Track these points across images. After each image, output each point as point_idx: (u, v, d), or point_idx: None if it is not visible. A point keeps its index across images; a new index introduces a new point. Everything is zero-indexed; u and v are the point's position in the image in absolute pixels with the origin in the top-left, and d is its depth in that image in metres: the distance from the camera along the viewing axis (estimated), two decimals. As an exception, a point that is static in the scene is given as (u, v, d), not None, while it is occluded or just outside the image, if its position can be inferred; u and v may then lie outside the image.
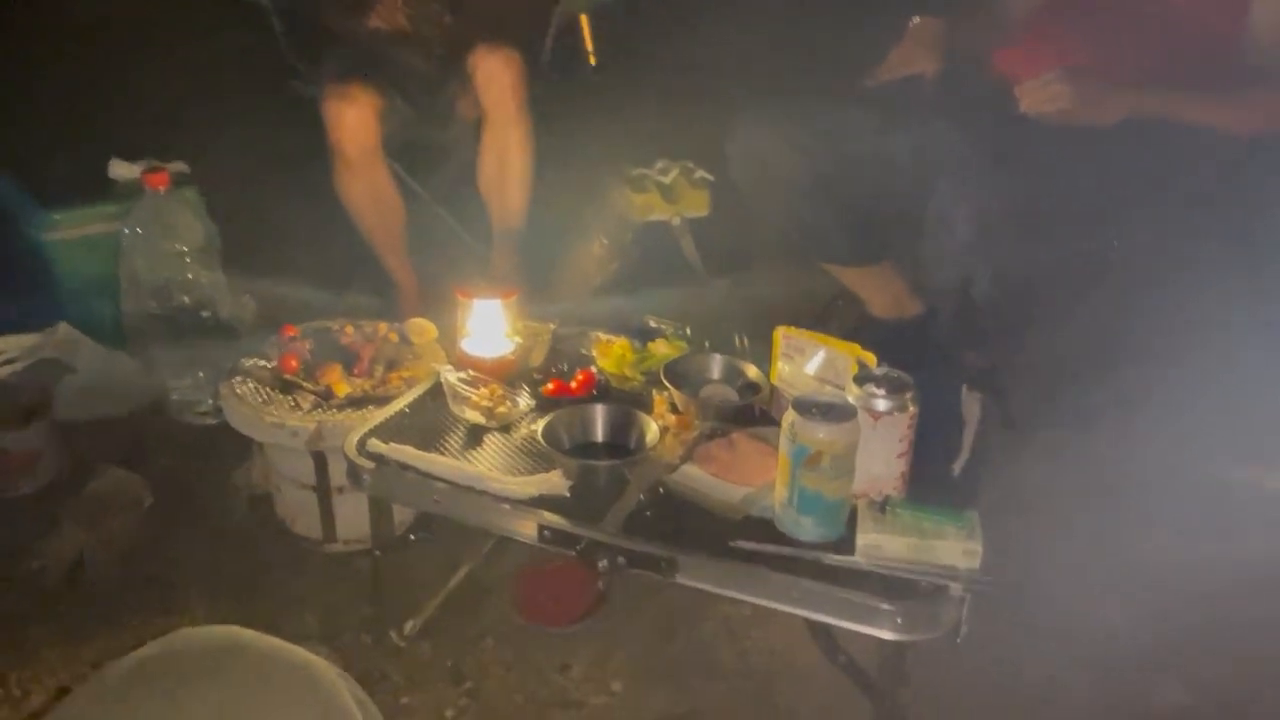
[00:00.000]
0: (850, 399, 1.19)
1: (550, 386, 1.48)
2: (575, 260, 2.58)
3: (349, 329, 1.77)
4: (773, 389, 1.42)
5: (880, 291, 2.12)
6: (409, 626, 1.52)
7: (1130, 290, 1.99)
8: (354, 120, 2.13)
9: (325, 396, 1.57)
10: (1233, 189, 1.70)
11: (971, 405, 1.42)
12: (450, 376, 1.41)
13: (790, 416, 1.12)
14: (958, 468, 1.32)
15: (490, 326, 1.53)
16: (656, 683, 1.45)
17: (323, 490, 1.60)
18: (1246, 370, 1.86)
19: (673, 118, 2.65)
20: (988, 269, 1.63)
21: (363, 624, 1.55)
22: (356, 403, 1.57)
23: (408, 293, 2.35)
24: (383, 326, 1.78)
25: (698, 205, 2.59)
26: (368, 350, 1.68)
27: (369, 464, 1.31)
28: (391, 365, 1.71)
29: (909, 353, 2.07)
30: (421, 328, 1.75)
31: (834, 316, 2.41)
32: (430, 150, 2.59)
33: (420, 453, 1.31)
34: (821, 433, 1.10)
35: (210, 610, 1.59)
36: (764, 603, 1.12)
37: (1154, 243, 1.95)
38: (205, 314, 2.05)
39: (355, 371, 1.63)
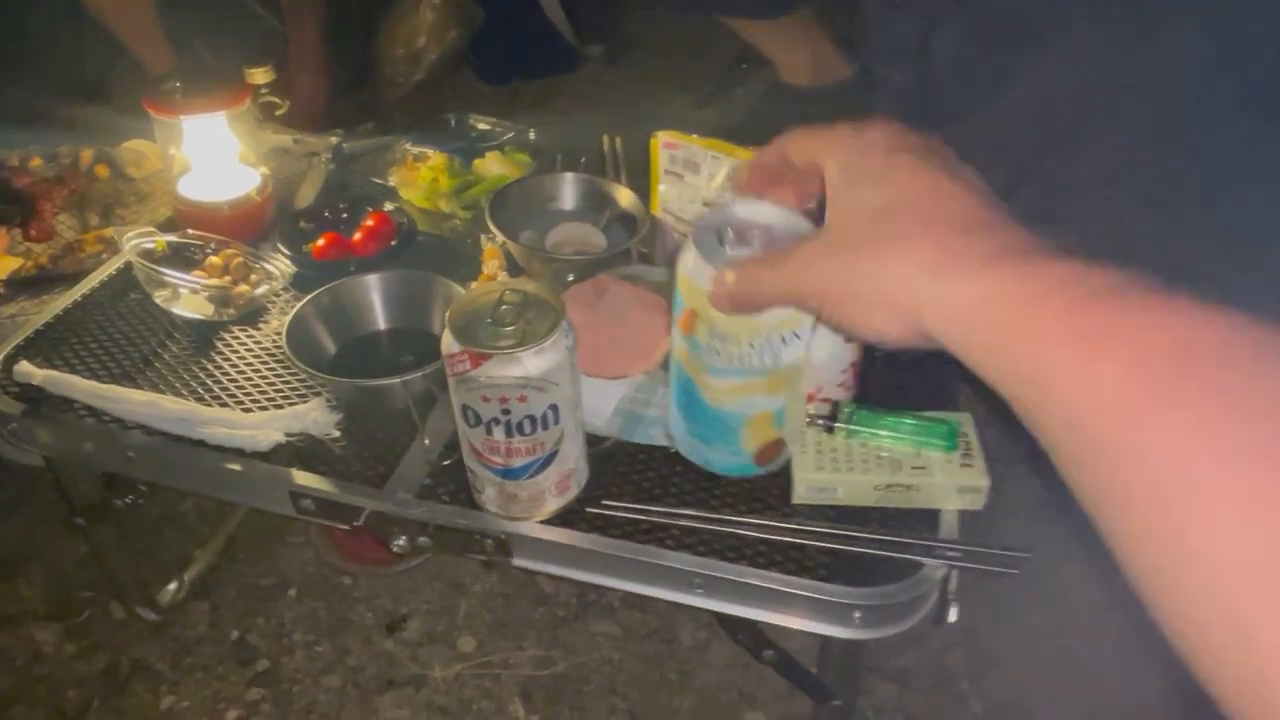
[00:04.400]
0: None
1: (321, 243, 0.98)
2: (397, 28, 1.95)
3: (35, 162, 1.20)
4: (653, 223, 0.95)
5: (795, 51, 1.64)
6: (169, 591, 1.09)
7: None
8: None
9: (-19, 278, 1.03)
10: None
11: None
12: (140, 249, 0.89)
13: (687, 250, 0.57)
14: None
15: (218, 153, 0.99)
16: (519, 635, 1.07)
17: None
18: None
19: None
20: (963, 10, 1.13)
21: (111, 589, 1.11)
22: (31, 284, 1.04)
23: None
24: (86, 155, 1.21)
25: (555, -56, 2.00)
26: (55, 197, 1.12)
27: (15, 405, 0.81)
28: (106, 215, 1.17)
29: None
30: (139, 155, 1.18)
31: (737, 85, 1.91)
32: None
33: (96, 384, 0.81)
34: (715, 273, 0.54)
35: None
36: (655, 594, 0.72)
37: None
38: None
39: (33, 233, 1.09)
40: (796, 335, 0.59)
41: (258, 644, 1.07)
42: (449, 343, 0.62)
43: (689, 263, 0.56)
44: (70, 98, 1.71)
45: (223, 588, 1.12)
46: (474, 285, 0.89)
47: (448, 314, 0.62)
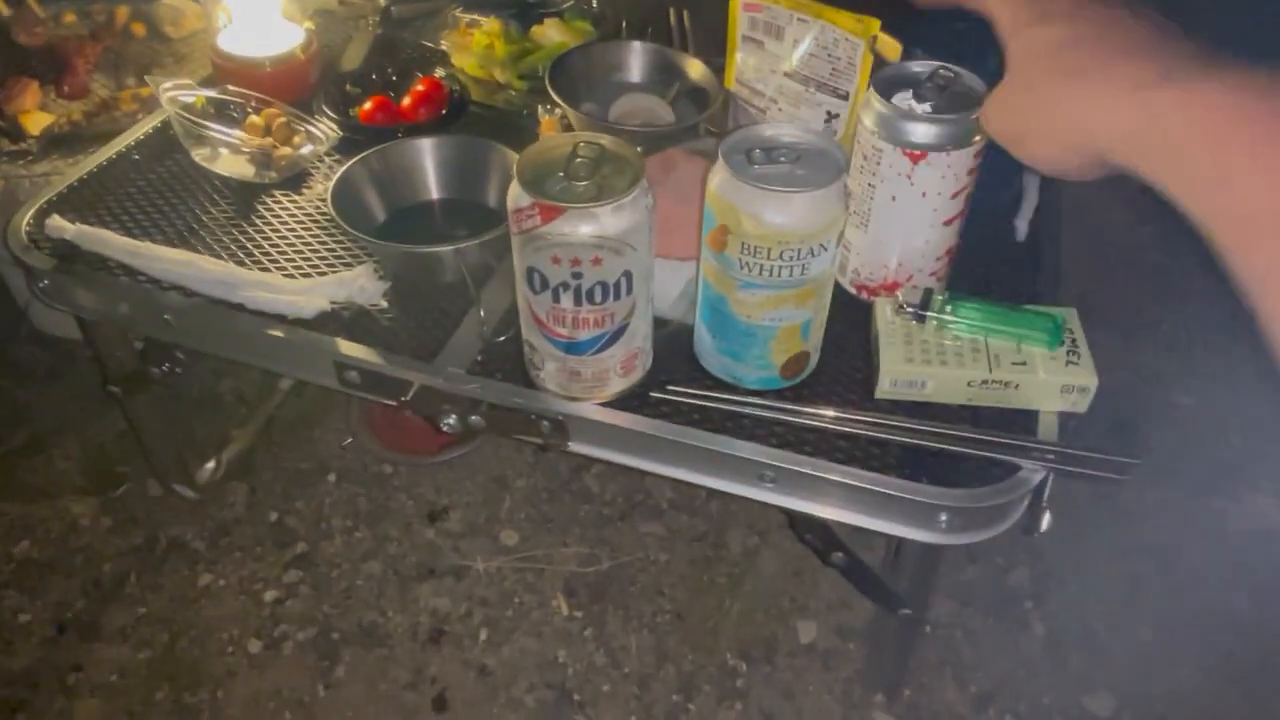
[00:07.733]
0: (866, 124, 0.66)
1: (368, 106, 0.91)
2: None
3: (68, 17, 1.14)
4: (728, 98, 0.87)
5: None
6: (207, 470, 1.06)
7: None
8: None
9: (14, 135, 0.98)
10: None
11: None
12: (178, 102, 0.83)
13: (717, 168, 0.58)
14: (1022, 224, 0.83)
15: (261, 6, 0.92)
16: (563, 531, 1.04)
17: (57, 276, 1.06)
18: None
19: None
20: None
21: (149, 465, 1.08)
22: (64, 142, 0.99)
23: None
24: (121, 12, 1.15)
25: None
26: (88, 53, 1.06)
27: (47, 261, 0.77)
28: (141, 76, 1.11)
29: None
30: (176, 12, 1.12)
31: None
32: None
33: (131, 240, 0.77)
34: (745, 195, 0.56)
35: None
36: (719, 486, 0.67)
37: None
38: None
39: (66, 90, 1.03)
40: (824, 248, 0.58)
41: (296, 527, 1.04)
42: (517, 195, 0.56)
43: (719, 180, 0.57)
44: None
45: (261, 470, 1.09)
46: (544, 136, 0.82)
47: (516, 165, 0.56)
